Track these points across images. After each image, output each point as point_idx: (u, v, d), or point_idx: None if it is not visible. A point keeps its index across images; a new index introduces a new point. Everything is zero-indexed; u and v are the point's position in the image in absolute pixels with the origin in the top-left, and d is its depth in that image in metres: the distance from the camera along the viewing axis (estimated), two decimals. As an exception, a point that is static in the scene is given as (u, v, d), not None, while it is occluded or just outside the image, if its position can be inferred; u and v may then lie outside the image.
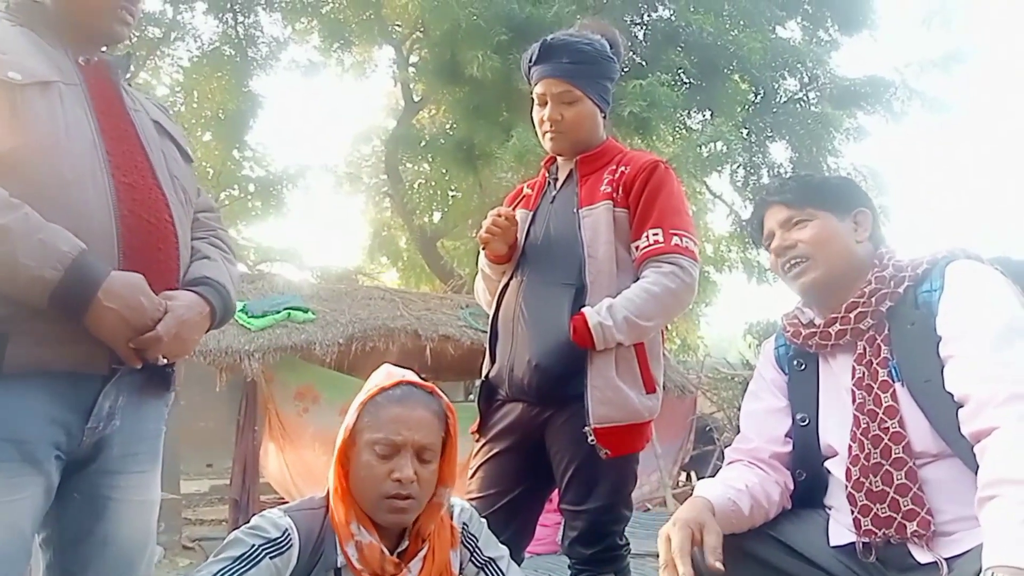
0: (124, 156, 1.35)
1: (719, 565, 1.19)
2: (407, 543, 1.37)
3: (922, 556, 1.25)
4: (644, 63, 7.86)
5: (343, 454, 1.36)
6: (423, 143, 9.32)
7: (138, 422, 1.38)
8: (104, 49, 1.45)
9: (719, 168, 8.56)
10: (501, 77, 7.04)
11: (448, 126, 9.61)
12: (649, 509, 6.99)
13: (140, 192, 1.34)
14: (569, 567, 1.86)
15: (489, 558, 1.47)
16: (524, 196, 2.03)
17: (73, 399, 1.26)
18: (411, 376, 1.43)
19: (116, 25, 1.40)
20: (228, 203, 11.21)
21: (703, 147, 7.71)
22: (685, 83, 8.19)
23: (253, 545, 1.26)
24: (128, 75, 1.50)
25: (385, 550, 1.33)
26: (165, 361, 1.33)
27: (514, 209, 1.99)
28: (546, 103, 1.92)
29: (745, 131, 8.42)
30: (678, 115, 8.06)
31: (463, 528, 1.48)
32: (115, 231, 1.28)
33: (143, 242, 1.32)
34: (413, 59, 10.26)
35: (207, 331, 1.43)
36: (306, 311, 5.98)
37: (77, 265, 1.18)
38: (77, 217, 1.23)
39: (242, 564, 1.23)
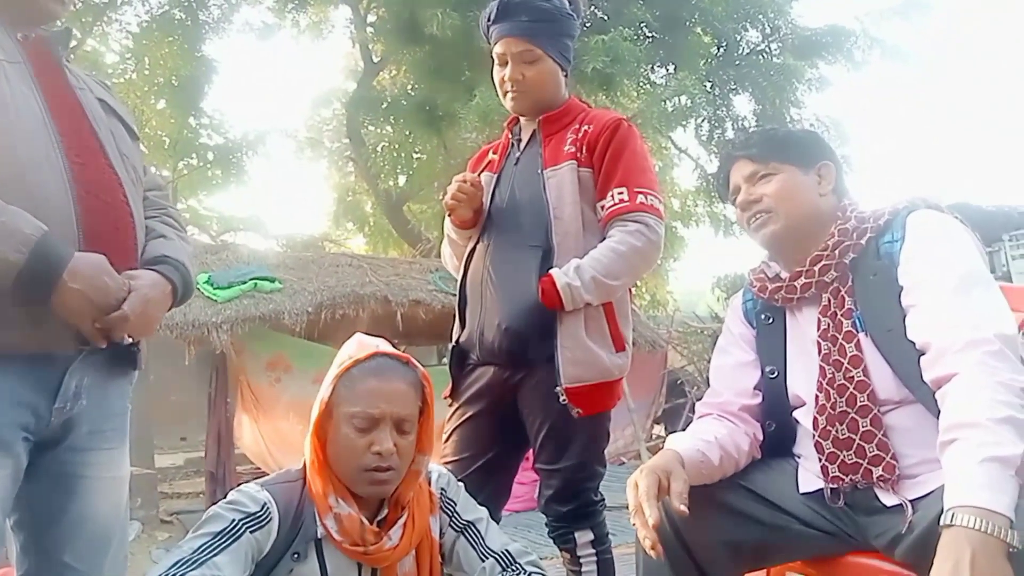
0: (75, 136, 1.32)
1: (684, 509, 1.22)
2: (386, 511, 1.38)
3: (888, 499, 1.29)
4: (606, 18, 7.78)
5: (319, 427, 1.35)
6: (384, 105, 9.17)
7: (104, 400, 1.38)
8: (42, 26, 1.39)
9: (684, 122, 8.56)
10: (461, 35, 6.92)
11: (409, 87, 9.44)
12: (624, 463, 7.13)
13: (94, 172, 1.32)
14: (546, 524, 1.89)
15: (468, 521, 1.48)
16: (489, 161, 2.01)
17: (39, 380, 1.25)
18: (385, 346, 1.42)
19: (51, 2, 1.35)
20: (187, 172, 10.95)
21: (667, 102, 7.70)
22: (648, 37, 8.13)
23: (233, 520, 1.26)
24: (70, 48, 1.45)
25: (364, 520, 1.33)
26: (130, 340, 1.33)
27: (479, 174, 1.97)
28: (506, 63, 1.89)
29: (709, 84, 8.42)
30: (641, 70, 8.00)
31: (441, 493, 1.49)
32: (74, 212, 1.26)
33: (101, 223, 1.31)
34: (371, 19, 9.99)
35: (169, 309, 1.42)
36: (273, 280, 5.92)
37: (41, 247, 1.17)
38: (35, 199, 1.21)
39: (223, 539, 1.23)
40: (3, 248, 1.14)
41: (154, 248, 1.43)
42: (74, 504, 1.33)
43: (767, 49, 9.06)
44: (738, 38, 8.86)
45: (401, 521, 1.37)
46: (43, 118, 1.28)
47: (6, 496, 1.22)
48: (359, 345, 1.41)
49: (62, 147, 1.28)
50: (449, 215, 1.96)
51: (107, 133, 1.40)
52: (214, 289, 5.60)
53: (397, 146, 10.07)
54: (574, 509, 1.83)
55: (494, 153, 2.02)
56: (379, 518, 1.37)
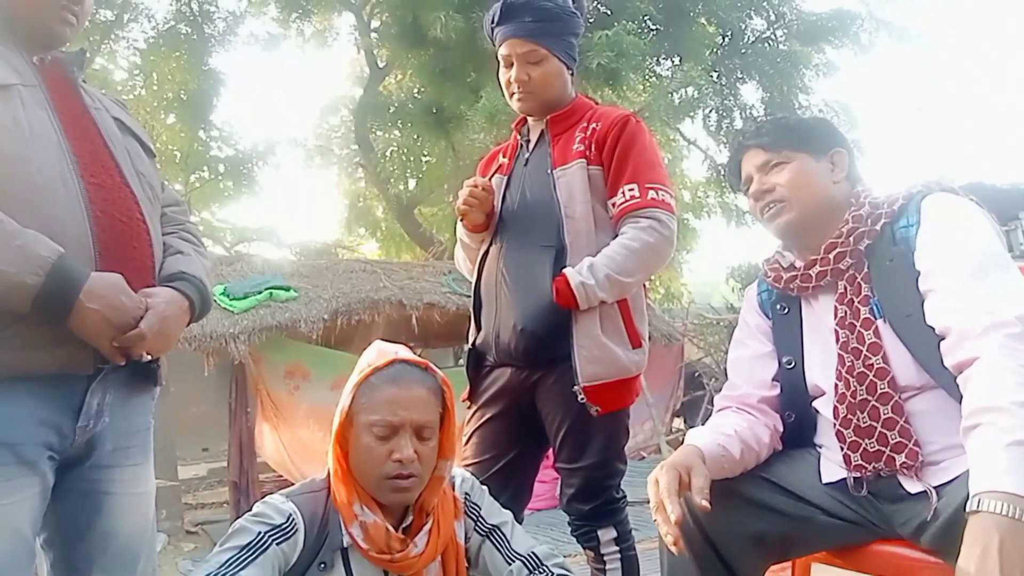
0: (90, 156, 1.33)
1: (706, 504, 1.22)
2: (411, 518, 1.38)
3: (912, 486, 1.28)
4: (609, 12, 7.76)
5: (340, 436, 1.35)
6: (392, 110, 9.17)
7: (127, 417, 1.39)
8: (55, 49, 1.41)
9: (691, 114, 8.52)
10: (465, 37, 6.93)
11: (416, 91, 9.44)
12: (644, 457, 7.12)
13: (110, 192, 1.33)
14: (569, 523, 1.89)
15: (493, 525, 1.48)
16: (500, 164, 2.00)
17: (61, 400, 1.26)
18: (404, 353, 1.42)
19: (58, 25, 1.36)
20: (199, 186, 11.00)
21: (674, 94, 7.66)
22: (652, 30, 8.11)
23: (259, 533, 1.26)
24: (83, 71, 1.47)
25: (390, 528, 1.33)
26: (149, 357, 1.34)
27: (490, 178, 1.97)
28: (512, 64, 1.89)
29: (715, 74, 8.38)
30: (647, 63, 7.98)
31: (465, 498, 1.49)
32: (90, 233, 1.28)
33: (118, 242, 1.32)
34: (374, 24, 10.00)
35: (187, 325, 1.43)
36: (288, 289, 5.94)
37: (57, 269, 1.18)
38: (51, 221, 1.23)
39: (249, 552, 1.24)
40: (20, 271, 1.16)
41: (171, 265, 1.44)
42: (101, 521, 1.35)
43: (773, 36, 9.00)
44: (743, 26, 8.81)
45: (426, 528, 1.37)
46: (59, 140, 1.30)
47: (36, 515, 1.24)
48: (378, 352, 1.41)
49: (78, 168, 1.30)
50: (461, 220, 1.97)
51: (123, 152, 1.41)
52: (230, 300, 5.63)
53: (406, 150, 10.09)
54: (596, 507, 1.83)
55: (504, 156, 2.01)
56: (404, 525, 1.38)
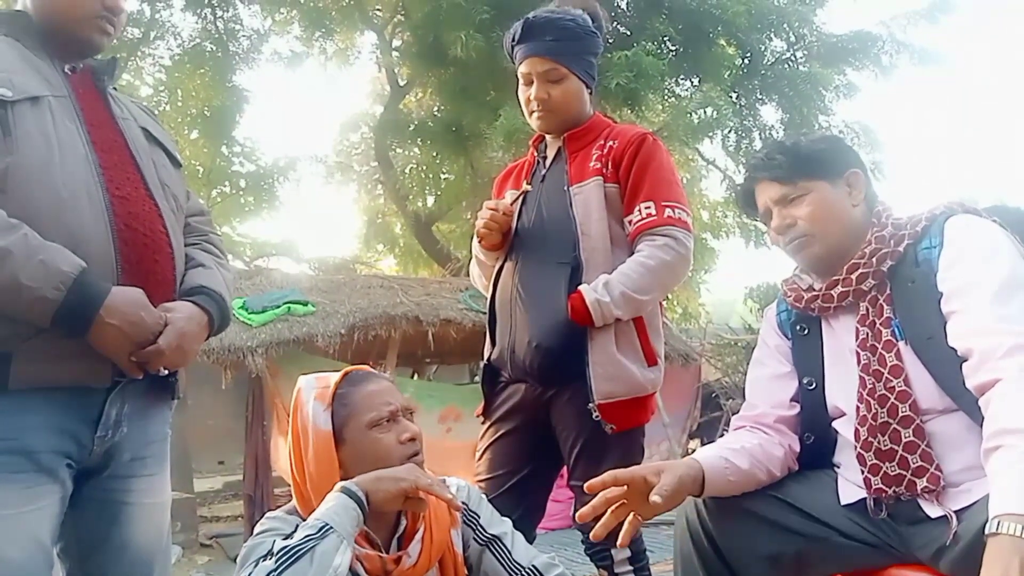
0: (116, 169, 1.35)
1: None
2: (405, 524, 1.38)
3: (932, 510, 1.26)
4: (628, 33, 7.81)
5: (333, 461, 1.34)
6: (412, 127, 9.26)
7: (145, 427, 1.41)
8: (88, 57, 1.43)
9: (710, 134, 8.51)
10: (486, 56, 6.98)
11: (436, 109, 9.54)
12: (660, 478, 7.03)
13: (134, 205, 1.35)
14: (582, 542, 1.88)
15: (493, 535, 1.46)
16: (524, 191, 1.97)
17: (80, 411, 1.28)
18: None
19: (96, 35, 1.39)
20: (220, 200, 11.14)
21: (693, 114, 7.66)
22: (671, 51, 8.13)
23: (274, 541, 1.26)
24: (114, 80, 1.49)
25: (382, 555, 1.32)
26: (167, 372, 1.35)
27: (513, 204, 1.96)
28: (531, 82, 1.90)
29: (734, 95, 8.37)
30: (666, 84, 7.99)
31: (463, 507, 1.48)
32: (112, 247, 1.29)
33: (140, 256, 1.33)
34: (396, 43, 10.13)
35: (206, 340, 1.45)
36: (306, 304, 5.97)
37: (78, 284, 1.20)
38: (75, 234, 1.24)
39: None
40: (42, 286, 1.17)
41: (192, 278, 1.45)
42: (117, 530, 1.36)
43: (792, 57, 8.99)
44: (763, 48, 8.80)
45: (419, 535, 1.36)
46: (86, 153, 1.31)
47: (54, 523, 1.25)
48: (318, 379, 1.44)
49: (103, 181, 1.31)
50: (479, 241, 1.97)
51: (148, 163, 1.43)
52: (249, 314, 5.67)
53: (425, 167, 10.18)
54: (610, 525, 1.82)
55: (528, 183, 1.98)
56: (398, 534, 1.37)
